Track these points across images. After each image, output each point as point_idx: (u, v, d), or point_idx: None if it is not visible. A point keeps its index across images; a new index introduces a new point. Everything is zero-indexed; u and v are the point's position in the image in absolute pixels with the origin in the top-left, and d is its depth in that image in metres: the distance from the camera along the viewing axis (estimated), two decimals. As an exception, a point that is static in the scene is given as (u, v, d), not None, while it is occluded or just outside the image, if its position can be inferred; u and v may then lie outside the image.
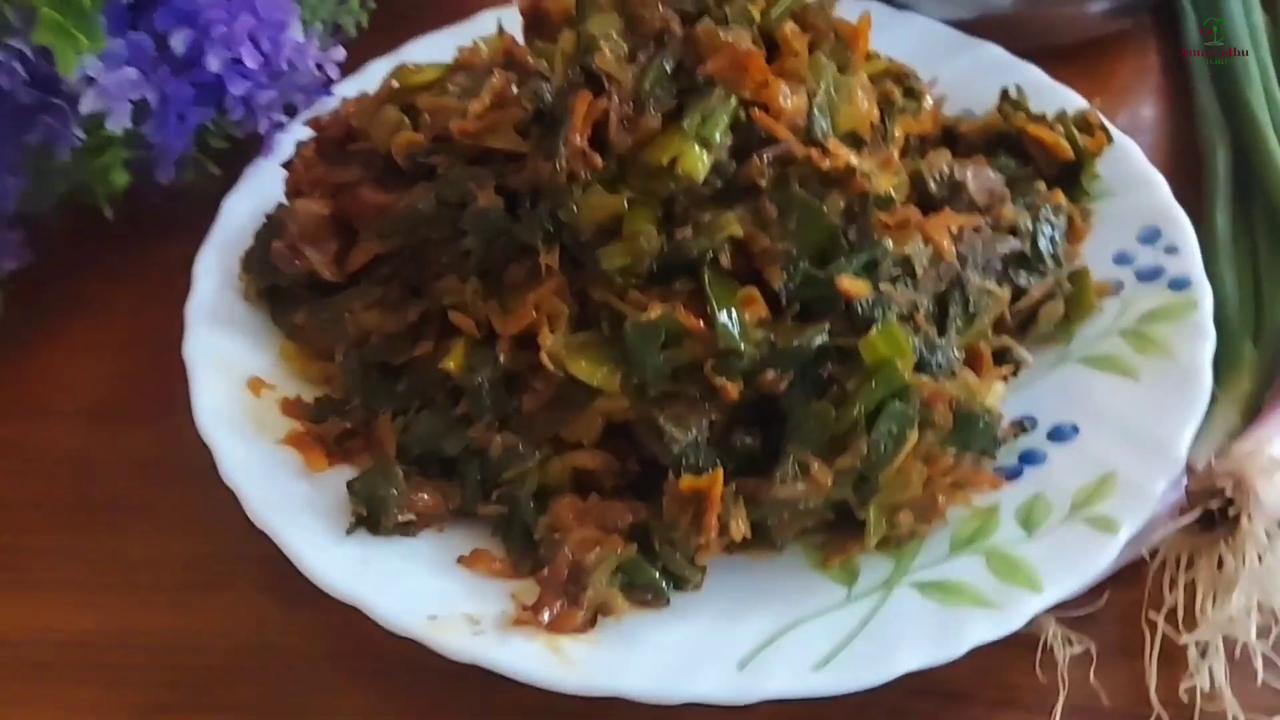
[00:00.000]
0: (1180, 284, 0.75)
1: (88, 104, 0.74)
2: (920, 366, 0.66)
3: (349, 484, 0.67)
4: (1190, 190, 0.85)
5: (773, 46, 0.70)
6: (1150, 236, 0.78)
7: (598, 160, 0.66)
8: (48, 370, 0.79)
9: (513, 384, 0.68)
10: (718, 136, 0.66)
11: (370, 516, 0.66)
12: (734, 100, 0.66)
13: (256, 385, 0.72)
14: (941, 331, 0.69)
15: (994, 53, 0.88)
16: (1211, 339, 0.72)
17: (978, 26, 0.90)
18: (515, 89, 0.70)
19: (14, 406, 0.77)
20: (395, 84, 0.76)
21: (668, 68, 0.66)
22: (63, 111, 0.75)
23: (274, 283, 0.75)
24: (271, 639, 0.67)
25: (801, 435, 0.65)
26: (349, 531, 0.66)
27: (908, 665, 0.61)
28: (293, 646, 0.67)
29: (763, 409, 0.67)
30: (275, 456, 0.69)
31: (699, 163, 0.65)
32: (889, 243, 0.68)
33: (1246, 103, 0.84)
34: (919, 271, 0.68)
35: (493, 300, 0.69)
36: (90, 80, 0.74)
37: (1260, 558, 0.63)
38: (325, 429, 0.70)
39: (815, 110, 0.68)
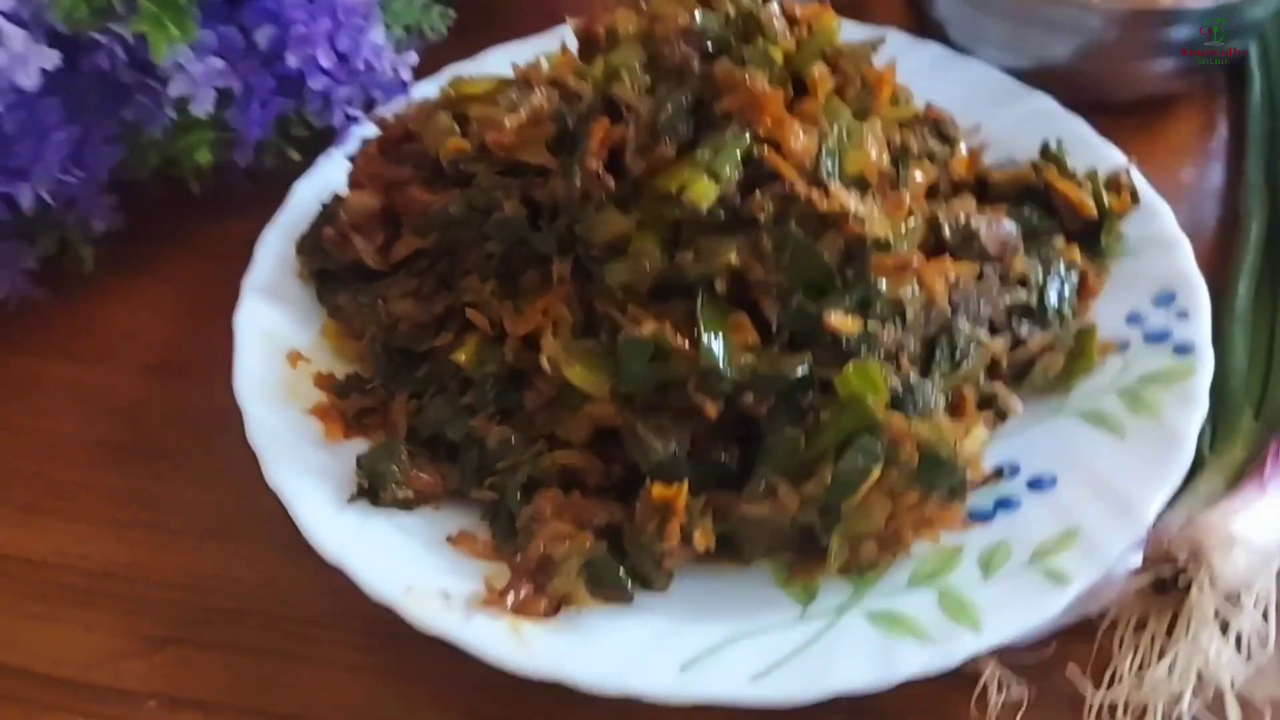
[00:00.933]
0: (1184, 349, 0.75)
1: (176, 88, 0.80)
2: (896, 405, 0.68)
3: (358, 458, 0.72)
4: (1225, 256, 0.85)
5: (801, 86, 0.73)
6: (1165, 299, 0.78)
7: (610, 183, 0.69)
8: (120, 323, 0.86)
9: (517, 381, 0.73)
10: (727, 170, 0.68)
11: (372, 489, 0.71)
12: (747, 136, 0.69)
13: (295, 358, 0.78)
14: (925, 374, 0.70)
15: (1044, 103, 0.89)
16: (1202, 408, 0.72)
17: (1042, 76, 0.91)
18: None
19: (86, 352, 0.84)
20: (451, 92, 0.80)
21: (686, 102, 0.69)
22: (156, 92, 0.82)
23: (324, 266, 0.81)
24: (276, 590, 0.72)
25: (773, 458, 0.67)
26: (350, 501, 0.71)
27: (839, 687, 0.63)
28: (294, 600, 0.72)
29: (743, 428, 0.70)
30: (299, 424, 0.74)
31: (706, 193, 0.68)
32: (883, 284, 0.70)
33: (1289, 175, 0.84)
34: (910, 315, 0.70)
35: (507, 301, 0.73)
36: (179, 67, 0.80)
37: (1209, 626, 0.64)
38: (348, 404, 0.75)
39: (824, 153, 0.70)
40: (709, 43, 0.70)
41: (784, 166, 0.69)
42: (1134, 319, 0.78)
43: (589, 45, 0.79)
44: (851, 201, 0.69)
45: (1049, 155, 0.84)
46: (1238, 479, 0.72)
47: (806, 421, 0.68)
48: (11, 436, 0.80)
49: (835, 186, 0.69)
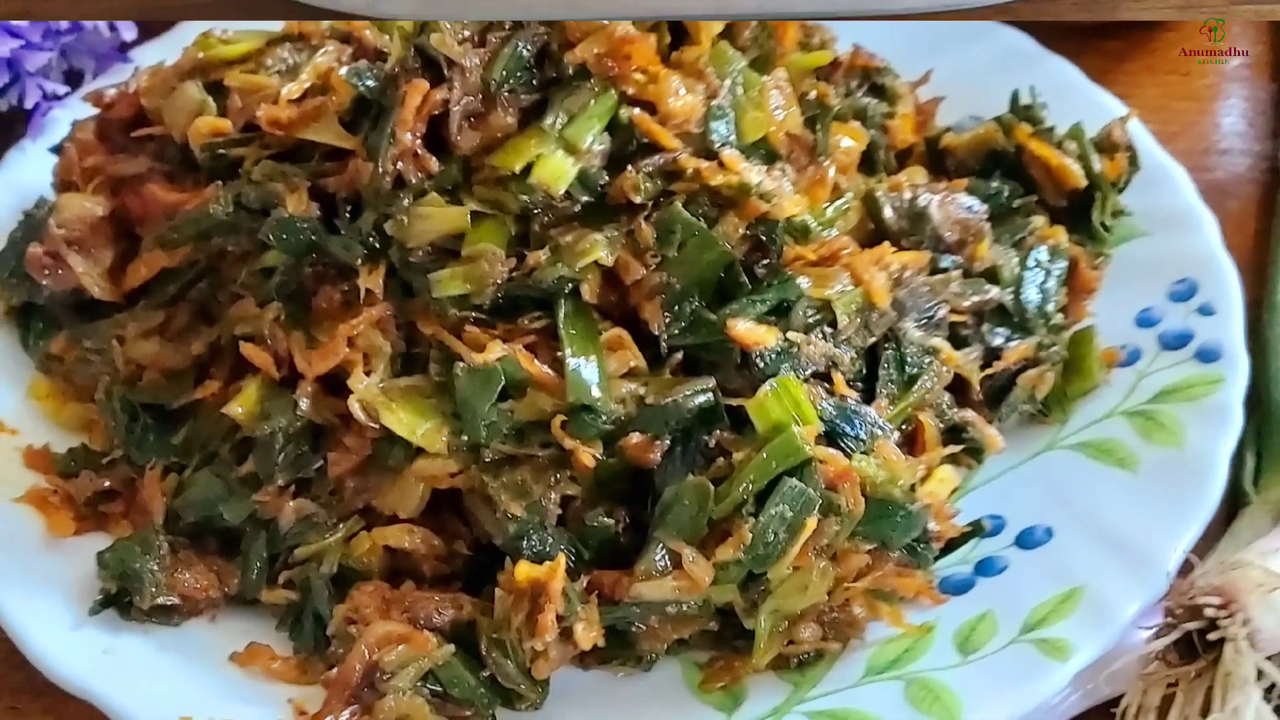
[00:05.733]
0: (1209, 355, 0.95)
1: None
2: (831, 439, 0.84)
3: (99, 555, 0.87)
4: (1264, 229, 1.06)
5: (681, 31, 0.91)
6: (1185, 293, 0.98)
7: (431, 163, 0.86)
8: None
9: (317, 438, 0.88)
10: (588, 140, 0.86)
11: (121, 596, 0.86)
12: (612, 96, 0.87)
13: (-10, 430, 0.93)
14: (869, 397, 0.88)
15: (1015, 41, 1.10)
16: (1235, 427, 0.91)
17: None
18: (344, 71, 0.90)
19: None
20: (200, 55, 0.96)
21: (527, 53, 0.86)
22: None
23: (29, 299, 0.97)
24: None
25: (675, 517, 0.83)
26: (93, 612, 0.86)
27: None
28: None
29: (631, 483, 0.86)
30: (10, 518, 0.89)
31: (561, 171, 0.85)
32: (804, 282, 0.88)
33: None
34: (842, 320, 0.88)
35: (298, 331, 0.89)
36: None
37: (1249, 692, 0.81)
38: (77, 486, 0.91)
39: (713, 113, 0.88)
40: (554, -25, 0.87)
41: (661, 133, 0.86)
42: (1146, 319, 0.98)
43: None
44: (754, 174, 0.87)
45: (1020, 109, 1.04)
46: (1288, 516, 0.90)
47: (714, 466, 0.84)
48: None
49: (731, 155, 0.87)
